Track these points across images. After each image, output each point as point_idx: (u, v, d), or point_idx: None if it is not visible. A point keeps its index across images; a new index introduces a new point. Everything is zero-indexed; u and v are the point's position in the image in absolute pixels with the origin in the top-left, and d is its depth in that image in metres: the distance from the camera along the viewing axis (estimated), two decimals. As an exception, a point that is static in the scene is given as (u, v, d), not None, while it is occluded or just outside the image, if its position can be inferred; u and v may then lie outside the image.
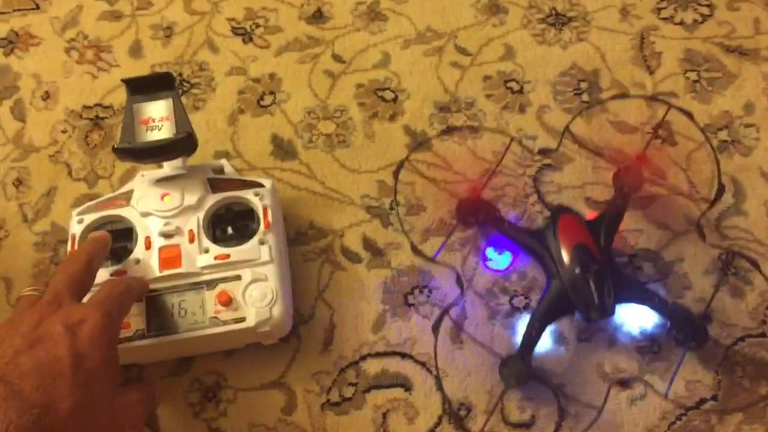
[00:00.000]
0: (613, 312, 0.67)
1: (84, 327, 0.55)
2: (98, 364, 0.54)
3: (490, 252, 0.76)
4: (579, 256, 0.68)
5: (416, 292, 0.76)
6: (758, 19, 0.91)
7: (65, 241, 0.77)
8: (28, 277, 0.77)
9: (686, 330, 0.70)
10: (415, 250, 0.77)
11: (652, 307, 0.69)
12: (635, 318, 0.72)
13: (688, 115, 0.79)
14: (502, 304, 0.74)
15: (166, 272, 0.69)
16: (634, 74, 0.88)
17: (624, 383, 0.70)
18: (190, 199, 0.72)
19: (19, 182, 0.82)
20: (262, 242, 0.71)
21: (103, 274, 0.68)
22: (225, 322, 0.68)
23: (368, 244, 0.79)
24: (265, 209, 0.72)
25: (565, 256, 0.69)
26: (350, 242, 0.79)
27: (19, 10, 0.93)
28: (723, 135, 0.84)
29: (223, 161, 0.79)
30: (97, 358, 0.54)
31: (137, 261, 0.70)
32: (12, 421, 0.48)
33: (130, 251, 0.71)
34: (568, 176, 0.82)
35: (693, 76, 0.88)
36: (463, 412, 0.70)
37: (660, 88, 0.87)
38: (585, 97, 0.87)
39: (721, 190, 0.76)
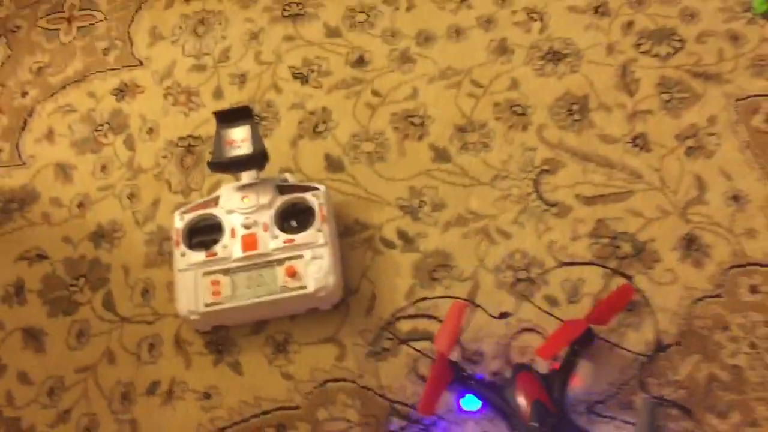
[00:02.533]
0: None
1: None
2: None
3: (463, 402, 0.86)
4: (537, 411, 0.79)
5: (439, 269, 0.97)
6: (721, 50, 1.10)
7: (167, 238, 1.01)
8: (140, 265, 1.00)
9: None
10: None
11: None
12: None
13: (627, 278, 0.91)
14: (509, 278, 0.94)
15: (247, 253, 0.91)
16: (617, 97, 1.08)
17: None
18: (264, 199, 0.95)
19: (131, 195, 1.06)
20: (318, 230, 0.93)
21: (198, 256, 0.91)
22: (291, 289, 0.90)
23: (401, 234, 1.00)
24: (320, 206, 0.94)
25: (525, 411, 0.79)
26: (387, 233, 1.00)
27: (127, 66, 1.19)
28: (690, 142, 1.03)
29: (287, 174, 1.02)
30: None
31: (224, 246, 0.92)
32: None
33: (218, 240, 0.93)
34: (562, 178, 1.02)
35: (666, 96, 1.07)
36: (476, 357, 0.90)
37: (639, 107, 1.07)
38: (576, 116, 1.07)
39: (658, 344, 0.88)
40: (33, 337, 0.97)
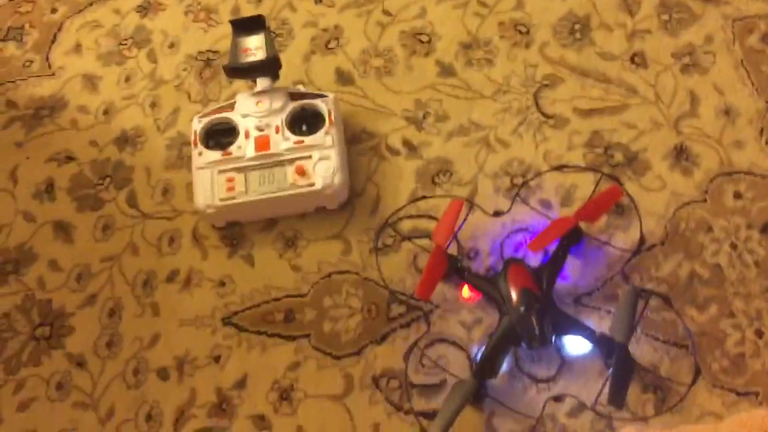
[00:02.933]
0: (551, 342, 0.85)
1: None
2: None
3: (464, 291, 0.94)
4: (524, 297, 0.86)
5: (440, 175, 1.03)
6: (722, -28, 1.13)
7: (187, 143, 1.07)
8: (161, 167, 1.07)
9: (612, 354, 0.84)
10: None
11: (584, 337, 0.87)
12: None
13: (616, 180, 0.97)
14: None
15: (259, 153, 0.98)
16: (618, 16, 1.12)
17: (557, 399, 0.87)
18: (276, 104, 1.01)
19: (153, 104, 1.13)
20: (327, 133, 0.99)
21: (214, 155, 0.98)
22: (300, 186, 0.96)
23: (406, 142, 1.06)
24: (329, 111, 1.00)
25: (514, 297, 0.87)
26: (392, 141, 1.06)
27: (151, -14, 1.25)
28: (686, 60, 1.07)
29: (300, 86, 1.08)
30: None
31: (239, 147, 0.99)
32: None
33: (233, 141, 1.00)
34: (561, 92, 1.07)
35: (665, 17, 1.11)
36: (472, 254, 0.96)
37: (638, 26, 1.11)
38: (578, 35, 1.11)
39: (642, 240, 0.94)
40: (62, 229, 1.04)
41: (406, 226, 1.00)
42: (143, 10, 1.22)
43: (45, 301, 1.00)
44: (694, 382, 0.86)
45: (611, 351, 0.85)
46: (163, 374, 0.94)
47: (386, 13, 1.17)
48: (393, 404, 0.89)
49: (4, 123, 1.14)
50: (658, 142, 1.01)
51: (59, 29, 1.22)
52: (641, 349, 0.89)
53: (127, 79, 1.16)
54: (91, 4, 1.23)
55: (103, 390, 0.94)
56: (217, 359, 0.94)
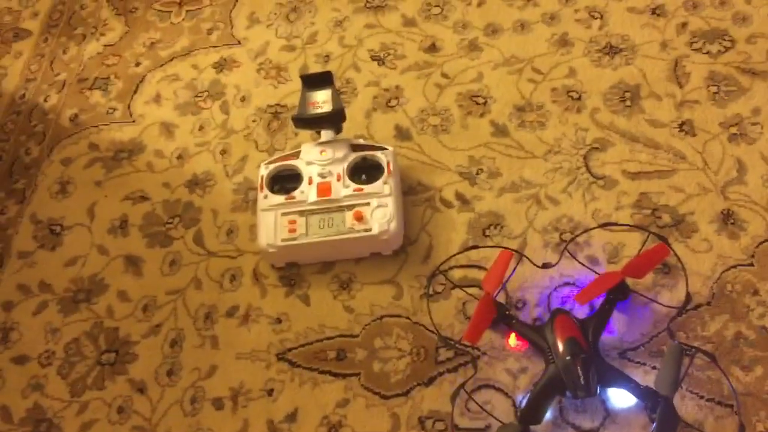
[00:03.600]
0: (595, 392, 0.87)
1: None
2: None
3: (511, 339, 0.97)
4: (570, 346, 0.89)
5: (491, 228, 1.07)
6: (770, 49, 1.18)
7: (253, 188, 1.14)
8: (227, 209, 1.14)
9: (656, 408, 0.85)
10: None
11: (628, 390, 0.87)
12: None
13: (663, 239, 0.98)
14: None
15: (321, 198, 1.04)
16: (667, 87, 1.17)
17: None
18: (339, 154, 1.08)
19: (223, 152, 1.21)
20: (385, 182, 1.05)
21: (278, 199, 1.04)
22: (357, 231, 1.02)
23: (459, 196, 1.11)
24: (387, 162, 1.07)
25: (560, 346, 0.90)
26: (446, 194, 1.11)
27: (227, 44, 1.34)
28: (733, 129, 1.11)
29: (361, 139, 1.15)
30: None
31: (302, 192, 1.05)
32: None
33: (296, 187, 1.06)
34: (610, 155, 1.11)
35: (714, 89, 1.16)
36: (519, 304, 1.00)
37: (687, 97, 1.15)
38: (628, 103, 1.16)
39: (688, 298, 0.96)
40: (132, 263, 1.11)
41: (456, 274, 1.04)
42: (219, 66, 1.31)
43: (112, 329, 1.06)
44: (738, 440, 0.87)
45: (656, 405, 0.86)
46: (218, 404, 0.98)
47: (445, 76, 1.24)
48: (438, 445, 0.92)
49: (86, 163, 1.23)
50: (705, 206, 1.04)
51: (141, 81, 1.32)
52: (685, 406, 0.90)
53: (201, 128, 1.24)
54: (171, 60, 1.33)
55: (161, 416, 0.98)
56: (270, 392, 0.98)
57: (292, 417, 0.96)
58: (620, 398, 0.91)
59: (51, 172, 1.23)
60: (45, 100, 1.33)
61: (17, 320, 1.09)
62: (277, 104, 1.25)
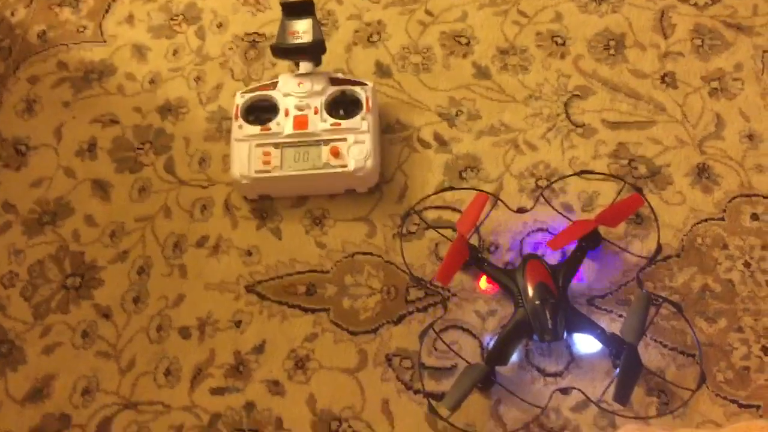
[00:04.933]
0: (562, 337, 0.88)
1: None
2: None
3: (482, 282, 0.97)
4: (540, 291, 0.90)
5: (468, 170, 1.06)
6: (756, 5, 1.16)
7: (227, 118, 1.12)
8: (200, 138, 1.11)
9: (620, 355, 0.87)
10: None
11: (594, 336, 0.89)
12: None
13: (638, 190, 0.99)
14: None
15: (297, 131, 1.02)
16: (652, 37, 1.16)
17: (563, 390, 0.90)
18: (317, 87, 1.05)
19: (198, 78, 1.17)
20: (363, 119, 1.03)
21: (253, 129, 1.02)
22: (333, 167, 1.00)
23: (437, 136, 1.09)
24: (366, 98, 1.04)
25: (530, 291, 0.90)
26: (424, 135, 1.10)
27: (205, -33, 1.29)
28: (715, 84, 1.10)
29: (340, 74, 1.12)
30: None
31: (278, 123, 1.03)
32: None
33: (272, 118, 1.04)
34: (591, 104, 1.10)
35: (698, 41, 1.15)
36: (492, 248, 1.00)
37: (671, 49, 1.14)
38: (612, 51, 1.15)
39: (658, 249, 0.96)
40: (100, 187, 1.08)
41: (430, 215, 1.03)
42: (196, -11, 1.27)
43: (78, 253, 1.04)
44: (698, 389, 0.88)
45: (620, 351, 0.88)
46: (184, 333, 0.97)
47: (428, 13, 1.21)
48: (404, 383, 0.92)
49: (54, 82, 1.18)
50: (681, 159, 1.05)
51: (114, 0, 1.27)
52: (649, 354, 0.92)
53: (175, 53, 1.20)
54: (146, -21, 1.28)
55: (126, 342, 0.97)
56: (237, 324, 0.97)
57: (259, 349, 0.96)
58: (585, 344, 0.92)
59: (17, 90, 1.18)
60: (12, 14, 1.27)
61: (-21, 240, 1.06)
62: (255, 32, 1.22)
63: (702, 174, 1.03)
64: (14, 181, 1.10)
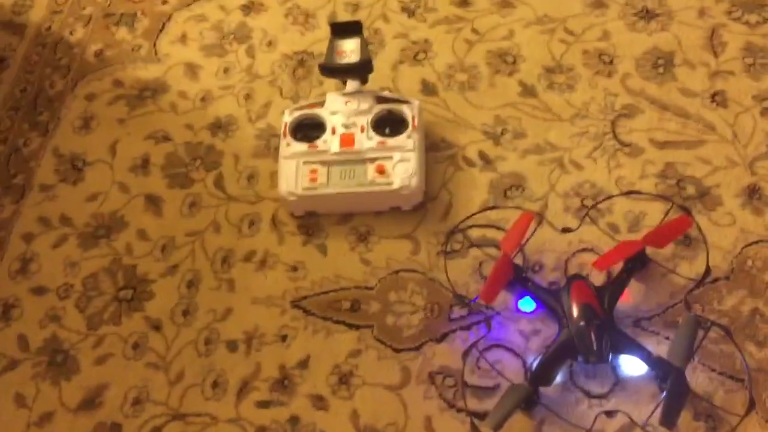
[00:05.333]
0: (607, 359, 0.86)
1: None
2: None
3: (521, 303, 0.97)
4: (585, 312, 0.89)
5: (512, 189, 1.06)
6: (811, 22, 1.15)
7: (275, 135, 1.14)
8: (249, 155, 1.14)
9: (667, 378, 0.85)
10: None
11: (641, 358, 0.88)
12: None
13: (687, 211, 0.98)
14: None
15: (343, 149, 1.04)
16: (702, 56, 1.15)
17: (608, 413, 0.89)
18: (364, 105, 1.07)
19: (247, 96, 1.20)
20: (408, 137, 1.04)
21: (301, 147, 1.04)
22: (379, 184, 1.01)
23: (482, 155, 1.10)
24: (413, 117, 1.06)
25: (575, 311, 0.90)
26: (469, 153, 1.10)
27: (256, -13, 1.33)
28: (766, 104, 1.09)
29: (386, 92, 1.14)
30: None
31: (325, 141, 1.05)
32: None
33: (320, 136, 1.05)
34: (638, 123, 1.10)
35: (749, 60, 1.13)
36: (536, 267, 1.00)
37: (722, 68, 1.13)
38: (660, 70, 1.14)
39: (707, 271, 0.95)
40: (153, 202, 1.12)
41: (474, 233, 1.04)
42: (246, 9, 1.30)
43: (130, 267, 1.07)
44: (746, 414, 0.87)
45: (667, 375, 0.86)
46: (232, 346, 0.99)
47: (475, 31, 1.22)
48: (446, 401, 0.93)
49: (110, 100, 1.22)
50: (731, 180, 1.03)
51: (168, 20, 1.31)
52: (696, 378, 0.90)
53: (226, 71, 1.23)
54: (198, 0, 1.32)
55: (176, 354, 1.00)
56: (283, 338, 0.99)
57: (303, 363, 0.97)
58: (631, 366, 0.91)
59: (75, 107, 1.23)
60: (71, 34, 1.32)
61: (37, 251, 1.10)
62: (304, 51, 1.24)
63: (753, 195, 1.02)
64: (71, 195, 1.14)
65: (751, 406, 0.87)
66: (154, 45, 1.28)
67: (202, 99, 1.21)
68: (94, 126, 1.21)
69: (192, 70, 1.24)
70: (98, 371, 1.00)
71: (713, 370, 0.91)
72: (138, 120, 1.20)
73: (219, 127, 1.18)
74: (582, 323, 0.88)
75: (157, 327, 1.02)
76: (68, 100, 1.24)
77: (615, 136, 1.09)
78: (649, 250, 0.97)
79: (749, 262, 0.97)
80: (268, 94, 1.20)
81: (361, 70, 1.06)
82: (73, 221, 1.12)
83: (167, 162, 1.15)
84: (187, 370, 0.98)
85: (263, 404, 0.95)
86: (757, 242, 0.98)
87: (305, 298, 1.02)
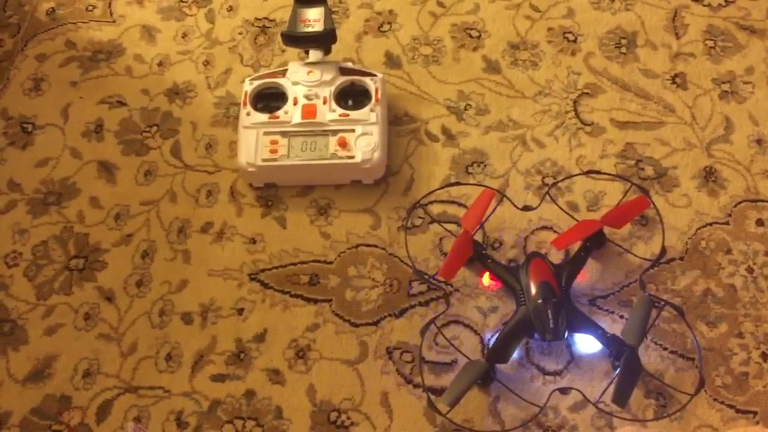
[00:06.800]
0: (563, 336, 0.88)
1: None
2: None
3: (485, 278, 0.97)
4: (543, 290, 0.90)
5: (474, 165, 1.06)
6: (771, 8, 1.16)
7: (235, 103, 1.11)
8: (207, 123, 1.11)
9: (620, 356, 0.87)
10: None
11: (595, 336, 0.89)
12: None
13: (645, 191, 0.98)
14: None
15: (305, 120, 1.02)
16: (664, 37, 1.15)
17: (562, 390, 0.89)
18: (327, 76, 1.05)
19: (206, 62, 1.17)
20: (371, 110, 1.02)
21: (262, 117, 1.01)
22: (340, 157, 1.00)
23: (445, 130, 1.09)
24: (376, 90, 1.04)
25: (533, 289, 0.90)
26: (432, 128, 1.09)
27: (216, -51, 1.28)
28: (725, 87, 1.10)
29: (350, 63, 1.12)
30: None
31: (286, 112, 1.03)
32: None
33: (281, 107, 1.03)
34: (600, 102, 1.10)
35: (710, 43, 1.14)
36: (496, 244, 1.00)
37: (683, 50, 1.14)
38: (623, 50, 1.14)
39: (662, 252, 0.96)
40: (106, 169, 1.08)
41: (436, 209, 1.03)
42: (206, -29, 1.26)
43: (82, 235, 1.04)
44: (696, 393, 0.89)
45: (620, 353, 0.88)
46: (187, 319, 0.97)
47: (440, 4, 1.20)
48: (403, 376, 0.93)
49: (62, 62, 1.18)
50: (688, 162, 1.04)
51: (124, -21, 1.26)
52: (649, 356, 0.92)
53: (184, 36, 1.19)
54: (157, -40, 1.27)
55: (129, 326, 0.97)
56: (240, 311, 0.97)
57: (260, 337, 0.96)
58: (586, 344, 0.92)
59: (24, 67, 1.18)
60: (20, -9, 1.26)
61: (-17, 218, 1.06)
62: (266, 18, 1.21)
63: (709, 177, 1.03)
64: (20, 159, 1.10)
65: (701, 384, 0.89)
66: (110, 5, 1.24)
67: (159, 63, 1.17)
68: (45, 88, 1.16)
69: (149, 33, 1.20)
70: (48, 342, 0.97)
71: (665, 349, 0.92)
72: (91, 83, 1.16)
73: (176, 93, 1.14)
74: (540, 301, 0.89)
75: (109, 298, 0.99)
76: (18, 60, 1.19)
77: (577, 115, 1.09)
78: (607, 230, 0.98)
79: (703, 243, 0.99)
80: (228, 61, 1.17)
81: (325, 39, 1.04)
82: (22, 187, 1.08)
83: (122, 128, 1.12)
84: (140, 342, 0.96)
85: (218, 378, 0.94)
86: (711, 224, 1.00)
87: (263, 271, 1.00)
